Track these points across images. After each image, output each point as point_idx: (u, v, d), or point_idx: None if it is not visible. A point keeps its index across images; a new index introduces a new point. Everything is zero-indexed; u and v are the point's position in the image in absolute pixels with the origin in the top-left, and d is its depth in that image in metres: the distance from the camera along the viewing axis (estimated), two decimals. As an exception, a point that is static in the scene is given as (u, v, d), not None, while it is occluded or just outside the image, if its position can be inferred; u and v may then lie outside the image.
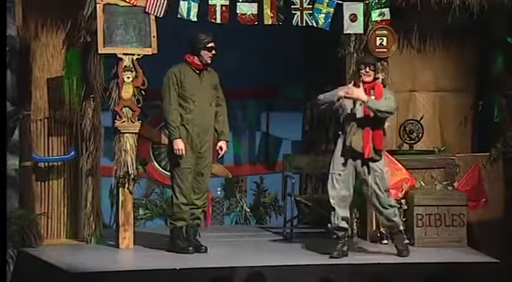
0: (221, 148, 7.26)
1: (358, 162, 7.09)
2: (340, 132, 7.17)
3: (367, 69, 7.09)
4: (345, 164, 7.09)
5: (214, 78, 7.30)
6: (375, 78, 7.17)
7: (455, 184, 7.99)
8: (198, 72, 7.22)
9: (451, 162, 8.08)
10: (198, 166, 7.22)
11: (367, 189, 7.12)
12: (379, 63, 7.88)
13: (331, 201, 7.12)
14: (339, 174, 7.10)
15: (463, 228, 7.72)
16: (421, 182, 7.95)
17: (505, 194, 8.36)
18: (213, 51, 7.18)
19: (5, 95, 6.50)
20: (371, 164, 7.09)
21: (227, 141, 7.31)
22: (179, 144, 7.14)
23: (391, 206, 7.20)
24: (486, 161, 8.32)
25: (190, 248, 7.12)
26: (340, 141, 7.15)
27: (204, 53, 7.17)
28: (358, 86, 7.07)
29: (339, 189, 7.11)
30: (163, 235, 7.80)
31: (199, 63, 7.19)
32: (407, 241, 7.75)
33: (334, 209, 7.14)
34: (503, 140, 8.38)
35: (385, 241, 7.83)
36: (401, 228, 7.23)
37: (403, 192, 7.83)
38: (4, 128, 6.35)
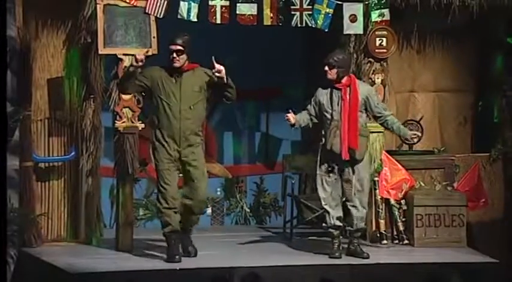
0: (219, 70, 6.74)
1: (342, 162, 7.00)
2: (322, 133, 7.09)
3: (326, 68, 7.01)
4: (330, 166, 7.03)
5: (200, 79, 6.94)
6: (342, 76, 7.01)
7: (455, 184, 7.93)
8: (173, 74, 6.91)
9: (451, 163, 8.03)
10: (187, 172, 6.95)
11: (349, 189, 7.01)
12: (378, 64, 7.91)
13: (323, 202, 7.10)
14: (329, 176, 7.05)
15: (462, 229, 7.67)
16: (421, 183, 7.88)
17: (505, 194, 8.32)
18: (174, 54, 6.82)
19: (5, 95, 6.44)
20: (354, 164, 7.02)
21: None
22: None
23: (365, 208, 7.12)
24: (486, 161, 8.28)
25: (177, 257, 6.86)
26: (322, 143, 7.09)
27: (169, 56, 6.86)
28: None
29: (329, 190, 7.06)
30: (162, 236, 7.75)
31: (169, 66, 6.90)
32: (406, 241, 7.75)
33: (327, 210, 7.08)
34: (502, 140, 8.34)
35: (385, 241, 7.78)
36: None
37: (403, 192, 7.80)
38: (4, 128, 6.29)
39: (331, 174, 7.04)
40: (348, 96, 7.01)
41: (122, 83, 7.01)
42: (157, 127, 6.95)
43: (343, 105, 7.00)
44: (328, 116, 7.04)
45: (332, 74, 7.03)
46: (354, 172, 7.06)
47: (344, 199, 7.12)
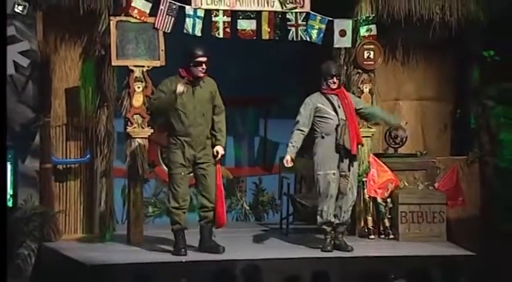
0: (217, 152, 6.98)
1: (345, 159, 7.09)
2: (324, 135, 7.12)
3: (334, 79, 7.12)
4: (335, 163, 7.06)
5: (211, 88, 6.99)
6: (339, 86, 7.18)
7: (436, 184, 8.00)
8: (190, 85, 6.92)
9: (432, 165, 8.09)
10: (199, 169, 6.98)
11: (345, 184, 7.08)
12: (366, 74, 7.99)
13: (327, 199, 7.06)
14: (333, 174, 7.08)
15: (442, 225, 7.74)
16: (405, 183, 7.97)
17: (481, 193, 8.38)
18: (204, 66, 6.88)
19: (5, 96, 6.29)
20: (353, 161, 7.11)
21: (223, 147, 7.03)
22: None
23: (355, 201, 7.21)
24: (464, 163, 8.34)
25: (183, 250, 6.88)
26: (324, 143, 7.09)
27: (194, 67, 6.89)
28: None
29: (334, 187, 7.08)
30: (170, 231, 7.83)
31: (191, 77, 6.92)
32: (392, 236, 7.81)
33: (328, 206, 7.10)
34: (479, 144, 8.41)
35: (372, 236, 7.83)
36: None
37: (389, 191, 7.87)
38: (5, 129, 6.22)
39: (334, 172, 7.02)
40: (346, 100, 7.11)
41: (157, 108, 7.02)
42: (173, 134, 6.96)
43: (345, 107, 7.09)
44: (332, 117, 7.09)
45: (337, 83, 7.15)
46: (352, 168, 7.09)
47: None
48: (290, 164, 7.11)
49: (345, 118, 7.10)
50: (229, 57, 8.13)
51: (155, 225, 8.39)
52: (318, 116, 7.15)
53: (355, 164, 7.17)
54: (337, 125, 7.08)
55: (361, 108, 7.29)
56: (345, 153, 7.09)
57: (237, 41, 7.76)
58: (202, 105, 6.96)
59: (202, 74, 6.94)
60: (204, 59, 6.91)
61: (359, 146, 7.22)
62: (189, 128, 6.92)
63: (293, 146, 7.12)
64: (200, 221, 7.07)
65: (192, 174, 7.07)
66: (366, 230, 7.88)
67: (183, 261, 6.72)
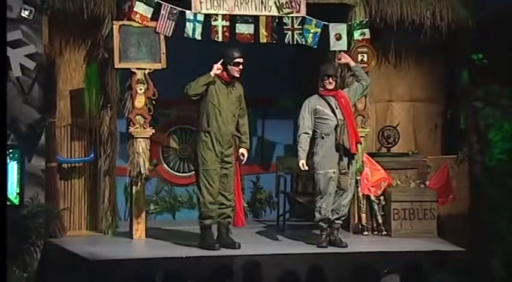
0: (243, 154, 7.03)
1: (344, 158, 7.13)
2: (323, 136, 7.15)
3: (330, 80, 7.15)
4: (335, 162, 7.10)
5: (241, 90, 7.09)
6: (336, 87, 7.22)
7: (427, 183, 8.02)
8: (226, 84, 7.00)
9: (423, 164, 8.11)
10: (222, 169, 7.00)
11: (346, 180, 7.13)
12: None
13: (326, 197, 7.09)
14: (333, 172, 7.12)
15: (433, 221, 7.75)
16: (397, 181, 8.00)
17: (470, 191, 8.41)
18: (240, 66, 6.96)
19: (5, 98, 6.21)
20: (353, 158, 7.17)
21: (247, 149, 7.10)
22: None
23: (352, 196, 7.25)
24: (454, 162, 8.35)
25: (217, 245, 6.90)
26: (325, 144, 7.13)
27: (232, 67, 6.96)
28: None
29: (333, 185, 7.12)
30: (171, 227, 7.85)
31: (228, 77, 6.99)
32: (385, 232, 7.81)
33: (327, 203, 7.12)
34: (468, 144, 8.42)
35: (366, 233, 7.83)
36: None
37: (382, 189, 7.89)
38: (4, 130, 6.19)
39: (334, 170, 7.06)
40: (342, 101, 7.15)
41: (194, 88, 6.94)
42: (205, 130, 6.97)
43: (343, 108, 7.12)
44: (331, 118, 7.13)
45: (333, 83, 7.18)
46: (352, 165, 7.14)
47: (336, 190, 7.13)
48: (306, 168, 7.12)
49: (343, 118, 7.13)
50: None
51: (156, 222, 8.41)
52: (317, 118, 7.19)
53: (353, 162, 7.22)
54: (336, 125, 7.12)
55: (358, 94, 7.25)
56: (345, 152, 7.13)
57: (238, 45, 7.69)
58: (234, 105, 7.04)
59: (238, 74, 7.00)
60: (241, 60, 6.98)
61: (358, 145, 7.24)
62: (222, 125, 6.97)
63: (303, 150, 7.15)
64: (218, 217, 7.06)
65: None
66: (360, 227, 7.92)
67: (184, 256, 6.72)
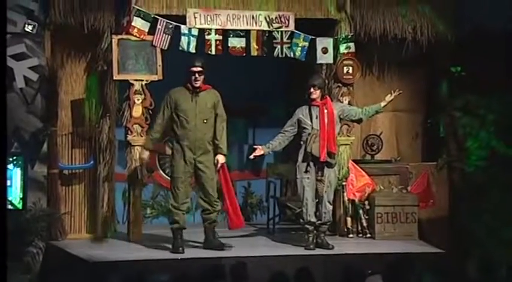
0: (217, 160, 6.96)
1: (318, 165, 7.16)
2: (301, 142, 7.18)
3: (312, 89, 7.16)
4: (308, 169, 7.13)
5: (213, 98, 6.98)
6: (323, 96, 7.23)
7: (409, 188, 8.05)
8: (192, 93, 6.93)
9: (405, 170, 8.15)
10: (198, 175, 6.95)
11: (322, 187, 7.15)
12: (345, 88, 8.00)
13: (305, 201, 7.16)
14: (308, 178, 7.16)
15: (415, 225, 7.78)
16: (381, 186, 8.02)
17: (449, 196, 8.44)
18: (196, 75, 6.86)
19: (5, 100, 6.12)
20: (327, 167, 7.15)
21: (224, 155, 7.00)
22: (144, 154, 7.08)
23: (331, 204, 7.27)
24: (434, 169, 8.38)
25: (181, 248, 6.88)
26: (302, 150, 7.17)
27: (191, 76, 6.92)
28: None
29: (309, 190, 7.15)
30: (166, 231, 7.83)
31: (190, 85, 6.95)
32: (369, 235, 7.87)
33: (306, 208, 7.17)
34: (447, 151, 8.45)
35: (351, 235, 7.85)
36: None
37: (366, 194, 7.91)
38: (4, 133, 6.15)
39: (309, 176, 7.09)
40: (325, 111, 7.17)
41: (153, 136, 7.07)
42: (176, 140, 6.96)
43: (322, 118, 7.13)
44: (308, 127, 7.15)
45: (317, 94, 7.18)
46: (326, 173, 7.14)
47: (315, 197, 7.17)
48: (257, 153, 7.14)
49: (318, 128, 7.15)
50: (221, 72, 8.14)
51: (153, 225, 8.43)
52: (300, 127, 7.25)
53: (330, 170, 7.22)
54: (309, 134, 7.15)
55: (346, 115, 7.31)
56: (315, 160, 7.14)
57: (229, 58, 7.78)
58: (203, 113, 6.96)
59: (198, 84, 6.93)
60: (196, 69, 6.91)
61: (336, 153, 7.25)
62: (189, 132, 6.93)
63: (270, 142, 7.22)
64: (204, 222, 7.09)
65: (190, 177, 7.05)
66: (346, 230, 7.93)
67: (179, 258, 6.74)
